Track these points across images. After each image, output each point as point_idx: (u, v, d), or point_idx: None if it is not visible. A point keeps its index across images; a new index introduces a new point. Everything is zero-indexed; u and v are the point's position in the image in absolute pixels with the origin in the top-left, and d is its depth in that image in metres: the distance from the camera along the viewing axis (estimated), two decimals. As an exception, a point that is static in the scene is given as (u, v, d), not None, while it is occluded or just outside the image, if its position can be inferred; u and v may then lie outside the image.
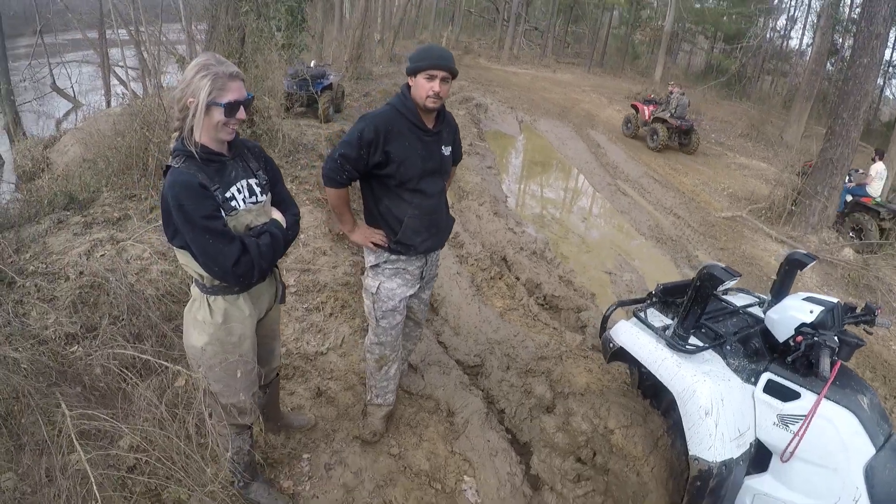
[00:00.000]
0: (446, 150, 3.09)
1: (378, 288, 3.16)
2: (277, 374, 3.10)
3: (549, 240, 7.54)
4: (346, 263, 5.12)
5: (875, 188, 10.96)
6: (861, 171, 11.25)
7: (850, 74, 9.99)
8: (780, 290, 3.30)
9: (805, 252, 3.35)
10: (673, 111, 14.94)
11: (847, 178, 10.94)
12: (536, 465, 3.43)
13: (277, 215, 2.45)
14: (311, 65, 12.24)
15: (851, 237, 10.81)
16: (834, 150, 10.07)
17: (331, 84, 11.67)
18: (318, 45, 18.16)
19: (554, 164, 12.48)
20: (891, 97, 35.04)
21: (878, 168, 10.98)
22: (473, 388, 4.15)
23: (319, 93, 11.18)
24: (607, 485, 3.14)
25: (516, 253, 6.47)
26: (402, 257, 3.13)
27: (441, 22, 39.39)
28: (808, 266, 3.35)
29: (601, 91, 24.65)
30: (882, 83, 30.64)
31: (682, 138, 15.42)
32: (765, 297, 3.48)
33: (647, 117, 15.61)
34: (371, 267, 3.19)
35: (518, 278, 6.04)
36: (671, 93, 15.31)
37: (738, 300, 3.50)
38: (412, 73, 2.82)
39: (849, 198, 10.93)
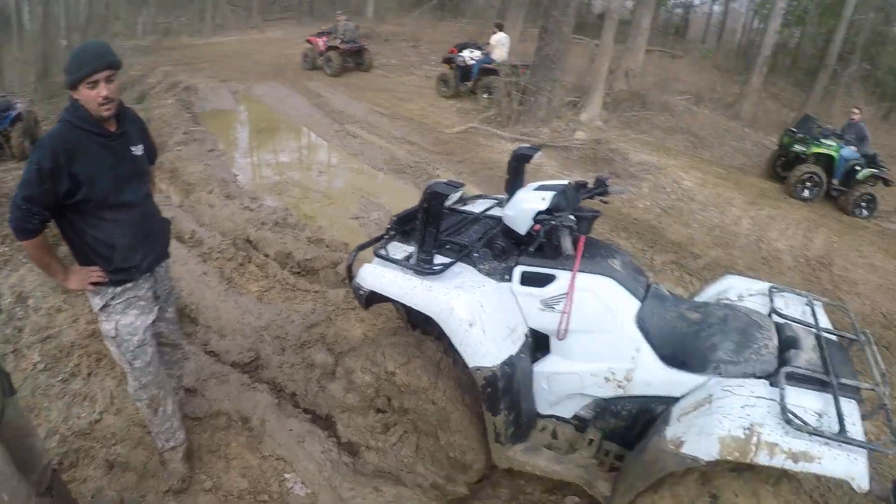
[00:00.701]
0: (137, 150, 2.79)
1: (116, 329, 2.84)
2: (55, 471, 2.67)
3: (288, 205, 7.35)
4: (86, 311, 4.59)
5: (498, 54, 13.49)
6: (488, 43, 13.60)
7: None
8: (514, 186, 3.41)
9: (528, 146, 3.51)
10: (342, 37, 16.69)
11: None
12: (343, 432, 3.45)
13: None
14: None
15: (485, 97, 13.29)
16: (549, 46, 11.05)
17: (20, 114, 10.11)
18: (-6, 74, 15.62)
19: (278, 127, 12.10)
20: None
21: (499, 37, 13.54)
22: (257, 385, 4.02)
23: (9, 128, 9.70)
24: (413, 422, 3.22)
25: (258, 230, 6.22)
26: (129, 285, 2.82)
27: (133, 7, 35.46)
28: (535, 157, 3.51)
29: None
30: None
31: (356, 59, 17.34)
32: (502, 196, 3.61)
33: (322, 48, 16.90)
34: (101, 310, 2.83)
35: (267, 255, 5.86)
36: (338, 21, 17.05)
37: (478, 206, 3.62)
38: (72, 86, 2.47)
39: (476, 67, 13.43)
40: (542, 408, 3.15)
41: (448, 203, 2.82)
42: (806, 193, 10.66)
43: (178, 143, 9.62)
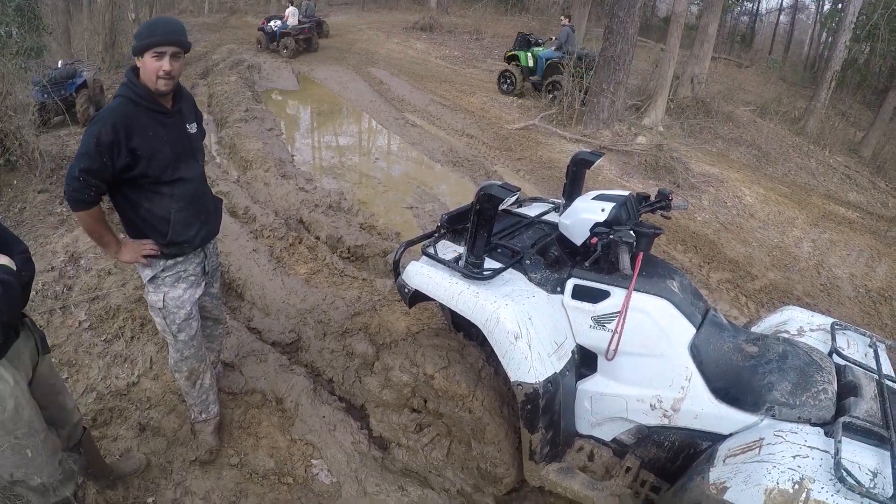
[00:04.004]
0: (192, 128, 2.81)
1: (164, 301, 2.86)
2: (86, 429, 2.75)
3: (343, 189, 7.38)
4: (135, 276, 4.69)
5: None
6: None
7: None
8: (572, 191, 3.31)
9: (590, 151, 3.35)
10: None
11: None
12: (376, 426, 3.40)
13: (3, 259, 2.07)
14: (59, 65, 10.74)
15: (550, 97, 13.08)
16: (613, 47, 10.75)
17: (85, 81, 10.38)
18: (65, 42, 16.09)
19: (338, 111, 12.20)
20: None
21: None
22: (295, 367, 4.02)
23: (75, 94, 9.97)
24: (448, 427, 3.17)
25: (311, 212, 6.25)
26: (180, 259, 2.84)
27: (201, -15, 36.19)
28: (596, 163, 3.38)
29: (378, 27, 24.38)
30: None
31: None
32: (559, 200, 3.49)
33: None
34: (149, 281, 2.86)
35: (318, 238, 5.87)
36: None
37: (534, 210, 3.49)
38: (138, 52, 2.48)
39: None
40: (582, 427, 3.05)
41: (505, 206, 2.72)
42: (505, 87, 14.22)
43: (239, 119, 9.78)
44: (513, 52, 14.25)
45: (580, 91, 11.61)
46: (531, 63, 13.82)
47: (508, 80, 14.24)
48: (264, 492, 3.17)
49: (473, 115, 11.99)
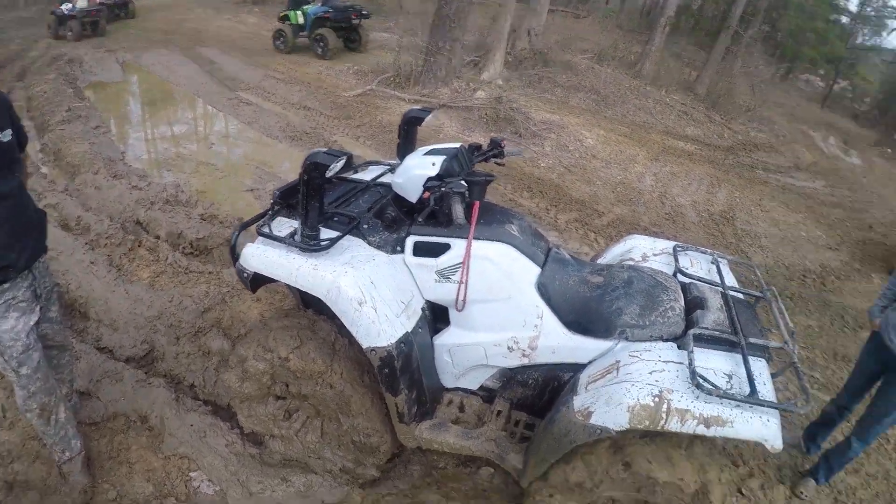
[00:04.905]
0: (4, 136, 2.46)
1: None
2: None
3: (180, 181, 6.91)
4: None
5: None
6: None
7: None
8: (406, 150, 3.26)
9: (420, 108, 3.32)
10: None
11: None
12: (246, 423, 3.28)
13: None
14: None
15: (320, 50, 14.68)
16: (448, 6, 10.88)
17: None
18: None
19: (168, 98, 11.37)
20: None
21: None
22: (153, 380, 3.78)
23: None
24: (315, 407, 3.11)
25: (148, 210, 5.81)
26: (6, 285, 2.51)
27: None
28: (427, 119, 3.34)
29: (207, 3, 22.93)
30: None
31: (122, 11, 19.05)
32: (395, 162, 3.44)
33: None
34: None
35: (158, 237, 5.51)
36: None
37: (370, 174, 3.44)
38: None
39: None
40: (447, 381, 3.08)
41: (333, 172, 2.62)
42: (279, 44, 15.26)
43: (61, 121, 8.91)
44: (285, 13, 15.50)
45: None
46: (301, 20, 15.09)
47: (281, 38, 15.39)
48: (150, 518, 2.99)
49: (309, 86, 11.75)
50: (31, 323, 2.68)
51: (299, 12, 15.01)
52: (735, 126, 13.54)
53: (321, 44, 14.73)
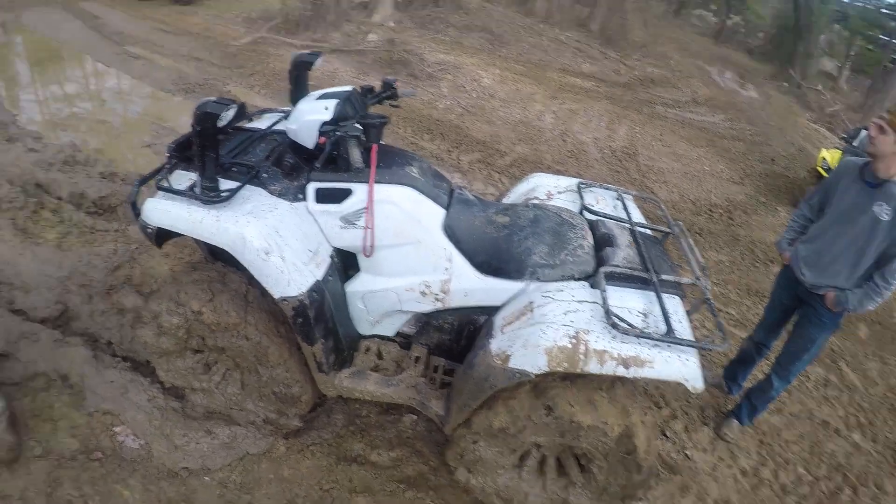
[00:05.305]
0: None
1: None
2: None
3: (76, 141, 6.58)
4: None
5: None
6: None
7: None
8: (298, 96, 3.14)
9: (308, 52, 3.22)
10: None
11: None
12: (165, 377, 3.25)
13: None
14: None
15: None
16: None
17: None
18: None
19: (56, 57, 10.56)
20: None
21: None
22: (70, 339, 3.69)
23: None
24: (233, 360, 3.09)
25: (47, 172, 5.50)
26: None
27: None
28: (317, 63, 3.23)
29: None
30: None
31: None
32: (290, 108, 3.30)
33: None
34: None
35: (60, 198, 5.26)
36: None
37: (265, 122, 3.33)
38: None
39: None
40: (364, 329, 3.09)
41: (226, 122, 2.57)
42: None
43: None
44: None
45: None
46: None
47: None
48: (77, 474, 2.98)
49: (198, 37, 11.16)
50: None
51: None
52: (631, 62, 13.55)
53: None
